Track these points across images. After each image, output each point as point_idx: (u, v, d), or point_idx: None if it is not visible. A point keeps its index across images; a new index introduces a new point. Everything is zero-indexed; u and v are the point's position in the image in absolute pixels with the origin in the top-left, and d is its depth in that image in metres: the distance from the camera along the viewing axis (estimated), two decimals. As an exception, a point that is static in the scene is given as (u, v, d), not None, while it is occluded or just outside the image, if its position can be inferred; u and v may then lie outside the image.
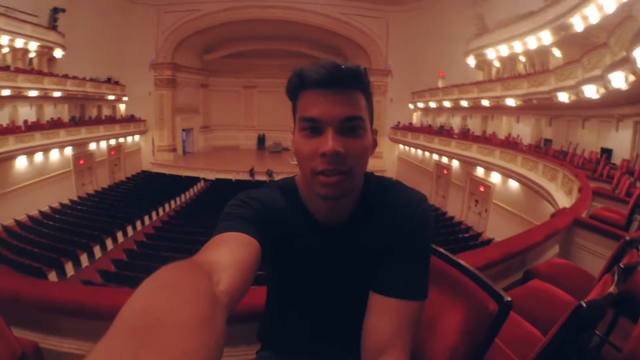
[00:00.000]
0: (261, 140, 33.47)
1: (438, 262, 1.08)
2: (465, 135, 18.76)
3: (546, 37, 14.12)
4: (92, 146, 20.56)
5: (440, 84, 23.11)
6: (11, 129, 15.15)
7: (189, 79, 28.89)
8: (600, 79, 9.74)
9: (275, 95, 29.44)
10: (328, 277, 0.92)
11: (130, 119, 25.11)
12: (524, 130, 16.27)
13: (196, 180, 22.99)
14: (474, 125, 20.22)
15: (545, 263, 2.92)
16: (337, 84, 0.76)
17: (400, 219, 0.87)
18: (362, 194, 0.90)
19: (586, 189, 6.06)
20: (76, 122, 19.86)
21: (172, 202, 18.81)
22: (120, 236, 13.46)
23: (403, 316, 0.81)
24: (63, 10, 18.99)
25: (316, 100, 0.77)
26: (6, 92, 15.14)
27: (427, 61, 24.51)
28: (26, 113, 17.16)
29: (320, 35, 26.91)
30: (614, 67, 8.85)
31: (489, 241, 11.80)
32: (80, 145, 19.13)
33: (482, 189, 16.70)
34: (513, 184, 14.14)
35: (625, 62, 8.39)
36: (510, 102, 15.44)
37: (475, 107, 19.23)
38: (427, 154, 21.93)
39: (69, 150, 18.41)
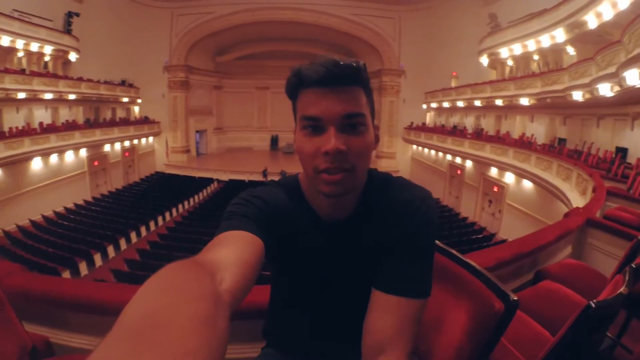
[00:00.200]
0: (274, 141, 33.48)
1: (443, 260, 1.07)
2: (478, 135, 18.53)
3: (560, 35, 13.87)
4: (107, 148, 20.81)
5: (453, 84, 22.89)
6: (27, 131, 15.41)
7: (202, 81, 29.06)
8: (615, 77, 9.52)
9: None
10: (331, 274, 0.92)
11: (144, 121, 25.39)
12: (538, 130, 15.98)
13: (209, 181, 23.12)
14: (488, 124, 19.93)
15: (557, 263, 2.87)
16: (336, 81, 0.75)
17: (403, 215, 0.86)
18: (365, 191, 0.89)
19: (600, 188, 5.92)
20: (91, 124, 20.12)
21: (186, 203, 18.95)
22: (133, 236, 13.61)
23: (404, 314, 0.80)
24: (77, 15, 19.32)
25: (316, 98, 0.77)
26: (22, 95, 15.44)
27: (439, 61, 24.35)
28: (41, 115, 17.44)
29: (332, 36, 26.87)
30: (628, 64, 8.62)
31: (503, 242, 11.64)
32: (94, 147, 19.37)
33: (495, 189, 16.50)
34: (527, 184, 13.93)
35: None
36: (524, 101, 15.22)
37: (489, 107, 18.97)
38: (440, 154, 21.74)
39: (83, 152, 18.68)
